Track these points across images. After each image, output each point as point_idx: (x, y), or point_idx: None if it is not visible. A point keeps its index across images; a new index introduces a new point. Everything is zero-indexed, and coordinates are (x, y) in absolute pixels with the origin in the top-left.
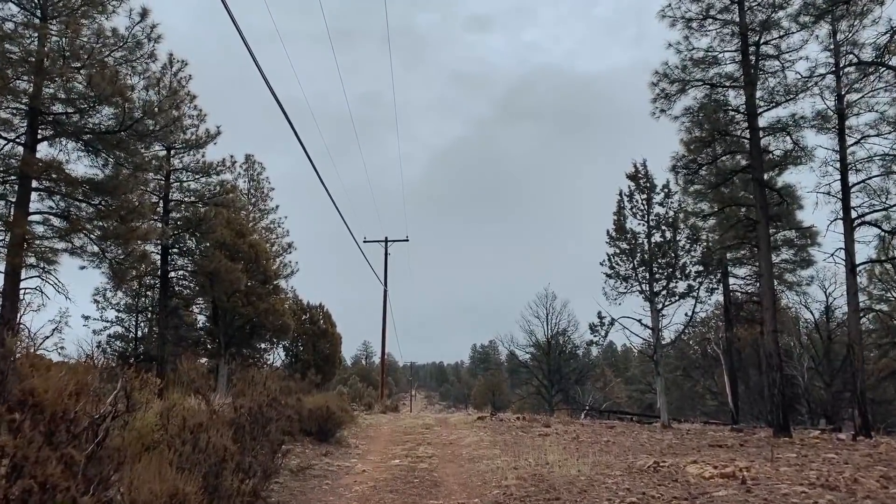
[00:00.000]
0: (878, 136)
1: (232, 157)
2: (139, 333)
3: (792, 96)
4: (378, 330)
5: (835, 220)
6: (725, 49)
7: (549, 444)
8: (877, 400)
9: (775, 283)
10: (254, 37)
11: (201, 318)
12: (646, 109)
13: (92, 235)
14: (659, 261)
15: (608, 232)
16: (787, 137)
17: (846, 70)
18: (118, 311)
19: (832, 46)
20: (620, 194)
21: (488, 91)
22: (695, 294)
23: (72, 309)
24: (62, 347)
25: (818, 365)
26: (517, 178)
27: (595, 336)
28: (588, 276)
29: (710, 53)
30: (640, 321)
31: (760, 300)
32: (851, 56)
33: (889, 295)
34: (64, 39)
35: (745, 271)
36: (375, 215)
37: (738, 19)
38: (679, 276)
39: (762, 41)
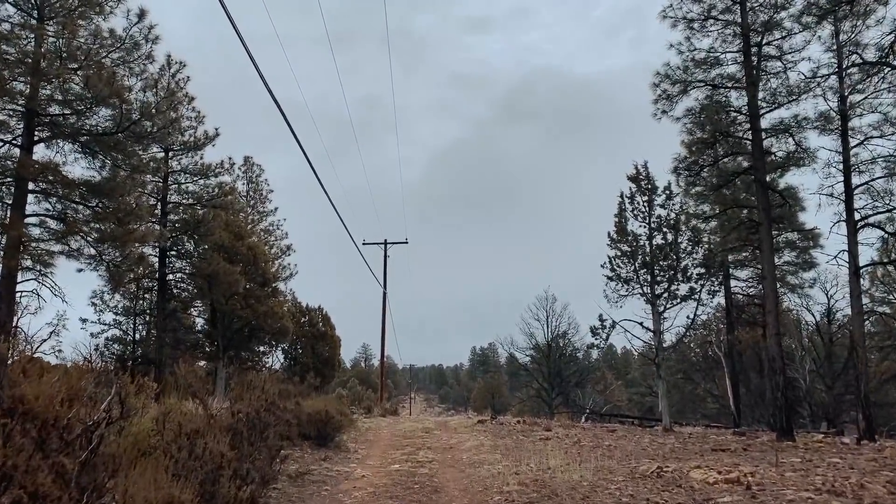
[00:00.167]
0: (881, 137)
1: (230, 158)
2: (137, 336)
3: (794, 97)
4: (377, 332)
5: (838, 221)
6: (727, 50)
7: (550, 449)
8: (879, 403)
9: (777, 285)
10: (253, 39)
11: (200, 321)
12: (646, 111)
13: (89, 238)
14: (660, 263)
15: (609, 234)
16: (790, 139)
17: (849, 71)
18: (116, 313)
19: (835, 47)
20: (621, 196)
21: (487, 92)
22: (696, 296)
23: (69, 312)
24: (60, 351)
25: (819, 367)
26: (517, 180)
27: (596, 339)
28: (588, 278)
29: (711, 54)
30: (641, 324)
31: (763, 303)
32: (855, 56)
33: (891, 297)
34: (61, 40)
35: (747, 273)
36: (375, 217)
37: (739, 20)
38: (680, 279)
39: (764, 42)
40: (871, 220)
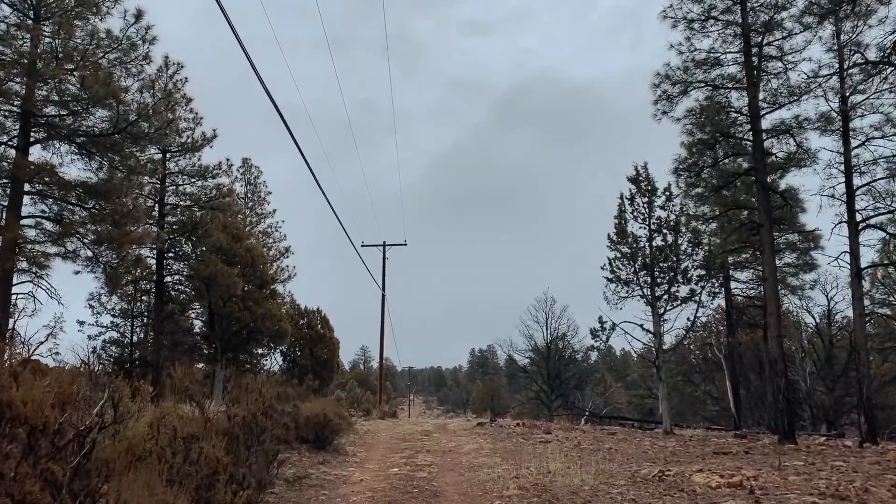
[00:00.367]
0: (882, 138)
1: (228, 160)
2: (135, 339)
3: (795, 98)
4: (376, 334)
5: (839, 223)
6: (728, 50)
7: (550, 452)
8: (879, 405)
9: (778, 287)
10: (252, 42)
11: (197, 324)
12: (644, 114)
13: (85, 240)
14: (660, 265)
15: (609, 236)
16: (791, 140)
17: (850, 71)
18: (113, 316)
19: (836, 47)
20: (621, 197)
21: (485, 96)
22: (696, 298)
23: (66, 314)
24: (57, 353)
25: (820, 370)
26: (515, 183)
27: (596, 341)
28: (587, 280)
29: (712, 55)
30: (641, 326)
31: (764, 305)
32: (857, 56)
33: (891, 299)
34: (57, 40)
35: (747, 275)
36: (374, 220)
37: (740, 20)
38: (681, 281)
39: (765, 42)
40: (872, 221)
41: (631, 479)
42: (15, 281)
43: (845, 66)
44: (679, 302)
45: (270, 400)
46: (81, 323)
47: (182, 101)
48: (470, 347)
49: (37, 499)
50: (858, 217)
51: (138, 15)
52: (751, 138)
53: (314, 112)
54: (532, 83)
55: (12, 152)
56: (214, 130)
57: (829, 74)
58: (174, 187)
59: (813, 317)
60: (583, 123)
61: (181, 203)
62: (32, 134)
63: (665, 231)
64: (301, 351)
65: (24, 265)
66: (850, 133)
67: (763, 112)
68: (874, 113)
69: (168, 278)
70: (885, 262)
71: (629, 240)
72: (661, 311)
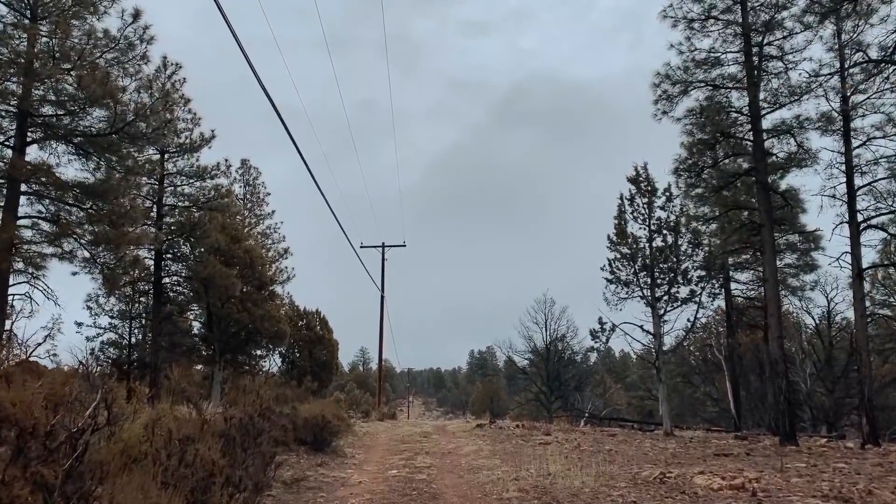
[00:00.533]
0: (884, 137)
1: (227, 160)
2: (133, 340)
3: (796, 98)
4: (376, 336)
5: (840, 223)
6: (728, 50)
7: (550, 454)
8: (880, 406)
9: (779, 287)
10: (252, 43)
11: (196, 325)
12: (645, 114)
13: (82, 240)
14: (660, 265)
15: (609, 236)
16: (791, 140)
17: (851, 71)
18: (111, 317)
19: (836, 47)
20: (621, 198)
21: (485, 96)
22: (697, 299)
23: (64, 315)
24: (55, 355)
25: (820, 371)
26: (515, 183)
27: (596, 342)
28: (587, 280)
29: (712, 54)
30: (641, 327)
31: (765, 306)
32: (858, 55)
33: (892, 300)
34: (54, 40)
35: (748, 276)
36: (373, 221)
37: (740, 20)
38: (681, 281)
39: (765, 42)
40: (873, 221)
41: (632, 482)
42: (11, 282)
43: (846, 66)
44: (679, 303)
45: (268, 401)
46: (79, 324)
47: (180, 101)
48: (469, 349)
49: (27, 502)
50: (860, 217)
51: (136, 14)
52: (751, 138)
53: (313, 112)
54: (532, 83)
55: (9, 152)
56: (213, 131)
57: (829, 74)
58: (172, 188)
59: (813, 318)
60: (582, 123)
61: (179, 204)
62: (29, 134)
63: (665, 232)
64: (300, 352)
65: (20, 266)
66: (852, 133)
67: (764, 112)
68: (875, 113)
69: (166, 279)
70: (886, 262)
71: (629, 240)
72: (661, 312)
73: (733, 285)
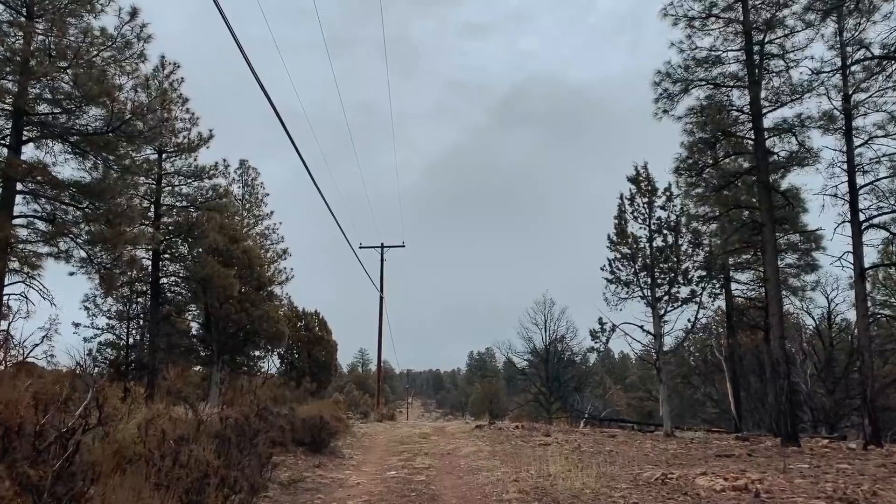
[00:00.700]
0: (886, 136)
1: (225, 160)
2: (131, 341)
3: (797, 96)
4: (375, 337)
5: (842, 222)
6: (729, 48)
7: (550, 455)
8: (880, 407)
9: (780, 288)
10: (251, 44)
11: (194, 326)
12: (644, 115)
13: (78, 239)
14: (661, 265)
15: (609, 236)
16: (793, 138)
17: (853, 69)
18: (109, 318)
19: (838, 45)
20: (621, 197)
21: (484, 98)
22: (697, 300)
23: (62, 316)
24: (52, 356)
25: (820, 372)
26: (514, 185)
27: (596, 342)
28: (586, 282)
29: (713, 53)
30: (641, 327)
31: (766, 306)
32: (861, 52)
33: (893, 300)
34: (50, 38)
35: (748, 276)
36: (372, 222)
37: (741, 18)
38: (681, 282)
39: (766, 40)
40: (876, 220)
41: (633, 483)
42: (7, 281)
43: (848, 64)
44: (679, 303)
45: (265, 402)
46: (77, 325)
47: (178, 100)
48: (468, 350)
49: (14, 503)
50: (861, 217)
51: (133, 13)
52: (752, 137)
53: (313, 113)
54: (531, 84)
55: (4, 151)
56: (211, 131)
57: (831, 70)
58: (170, 188)
59: (813, 318)
60: (581, 124)
61: (177, 204)
62: (25, 132)
63: (665, 231)
64: (299, 353)
65: (15, 265)
66: (853, 131)
67: (765, 110)
68: (877, 111)
69: (164, 280)
70: (887, 262)
71: (629, 240)
72: (662, 312)
73: (734, 285)
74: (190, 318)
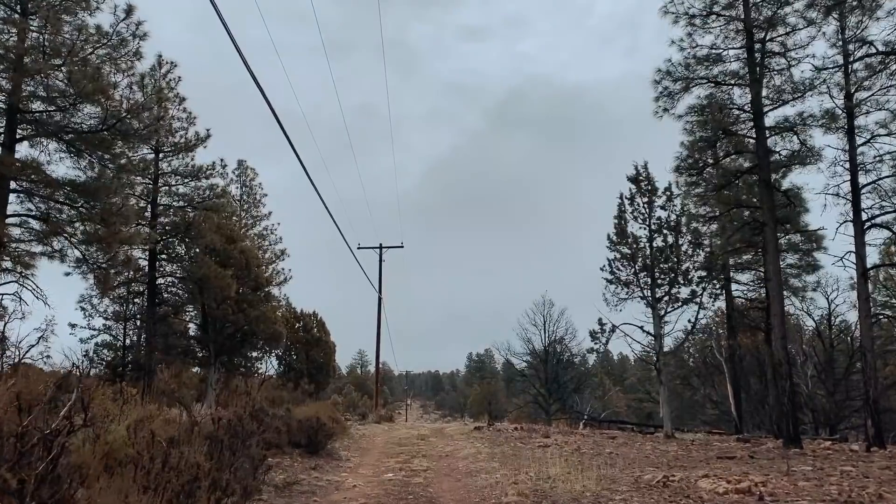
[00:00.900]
0: (888, 135)
1: (222, 160)
2: (127, 342)
3: (799, 94)
4: (373, 338)
5: (844, 222)
6: (730, 46)
7: (549, 457)
8: (882, 409)
9: (782, 288)
10: (250, 47)
11: (191, 326)
12: (641, 119)
13: (73, 239)
14: (661, 266)
15: (609, 236)
16: (794, 137)
17: (855, 67)
18: (105, 318)
19: (840, 43)
20: (621, 197)
21: (483, 101)
22: (698, 300)
23: (58, 316)
24: (48, 357)
25: (821, 373)
26: (513, 187)
27: (596, 343)
28: (585, 283)
29: (714, 51)
30: (641, 328)
31: (768, 306)
32: (863, 49)
33: (893, 300)
34: (44, 35)
35: (749, 277)
36: (371, 224)
37: (742, 16)
38: (682, 282)
39: (768, 38)
40: (878, 220)
41: (634, 485)
42: (0, 281)
43: (850, 62)
44: (680, 303)
45: (260, 403)
46: (73, 326)
47: (175, 100)
48: (467, 351)
49: None
50: (864, 216)
51: (129, 10)
52: (753, 136)
53: (312, 116)
54: (528, 88)
55: None
56: (208, 130)
57: (833, 67)
58: (167, 187)
59: (813, 319)
60: (579, 128)
61: (174, 204)
62: (19, 130)
63: (665, 231)
64: (297, 354)
65: (8, 264)
66: (855, 130)
67: (766, 109)
68: (880, 109)
69: (161, 280)
70: (889, 262)
71: (629, 240)
72: (662, 312)
73: (734, 286)
74: (187, 318)
